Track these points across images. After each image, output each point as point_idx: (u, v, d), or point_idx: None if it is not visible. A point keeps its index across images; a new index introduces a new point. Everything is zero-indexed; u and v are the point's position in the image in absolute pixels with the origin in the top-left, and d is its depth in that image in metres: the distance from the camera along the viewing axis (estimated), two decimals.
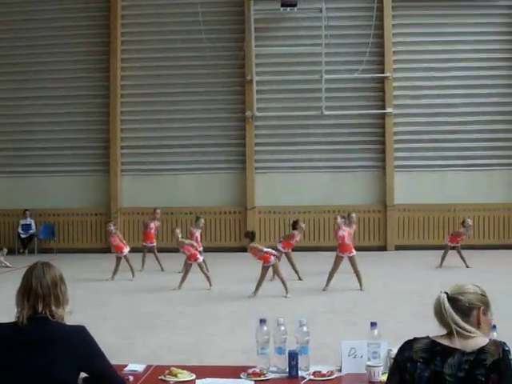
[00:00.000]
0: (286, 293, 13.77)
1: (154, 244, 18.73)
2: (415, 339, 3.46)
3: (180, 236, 15.34)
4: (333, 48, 21.85)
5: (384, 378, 4.52)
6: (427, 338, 3.44)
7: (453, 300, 3.41)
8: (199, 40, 22.05)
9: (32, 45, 23.08)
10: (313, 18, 22.29)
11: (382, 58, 22.44)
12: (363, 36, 22.29)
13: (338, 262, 14.57)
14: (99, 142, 23.21)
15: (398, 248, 21.99)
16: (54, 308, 3.82)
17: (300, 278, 15.93)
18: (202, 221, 18.08)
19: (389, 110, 22.29)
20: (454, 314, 3.36)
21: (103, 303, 13.44)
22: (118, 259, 16.73)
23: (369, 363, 4.58)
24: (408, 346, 3.47)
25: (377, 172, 22.58)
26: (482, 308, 3.45)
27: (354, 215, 17.09)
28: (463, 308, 3.40)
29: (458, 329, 3.32)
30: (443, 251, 17.87)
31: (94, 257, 21.16)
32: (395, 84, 22.54)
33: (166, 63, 22.94)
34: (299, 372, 4.59)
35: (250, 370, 4.61)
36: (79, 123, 23.10)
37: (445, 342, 3.36)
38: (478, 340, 3.31)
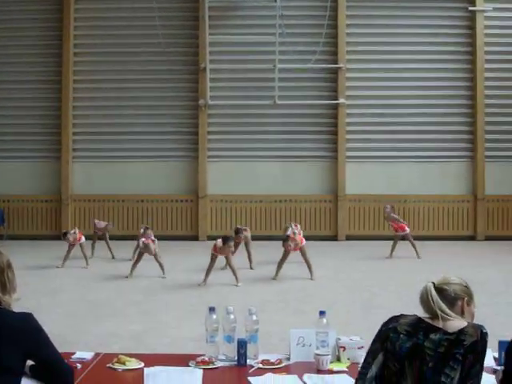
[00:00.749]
0: (237, 282, 13.81)
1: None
2: (402, 315, 3.66)
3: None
4: (287, 37, 21.84)
5: (332, 366, 4.59)
6: (414, 315, 3.59)
7: (439, 290, 3.57)
8: (153, 27, 21.88)
9: None
10: (267, 7, 22.25)
11: (336, 48, 22.50)
12: (317, 26, 22.32)
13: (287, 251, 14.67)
14: (51, 127, 22.92)
15: (349, 238, 22.11)
16: (0, 295, 3.78)
17: (251, 268, 15.98)
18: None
19: (341, 100, 22.38)
20: (440, 302, 3.54)
21: (53, 290, 13.33)
22: (71, 246, 16.57)
23: (317, 352, 4.62)
24: (394, 319, 3.65)
25: (329, 162, 22.68)
26: (465, 299, 3.65)
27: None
28: (449, 297, 3.54)
29: (444, 315, 3.50)
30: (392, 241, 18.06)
31: (45, 244, 20.94)
32: (348, 75, 22.63)
33: (119, 49, 22.72)
34: (248, 360, 4.63)
35: (199, 359, 4.63)
36: (30, 109, 22.79)
37: (429, 321, 3.54)
38: (459, 322, 3.50)
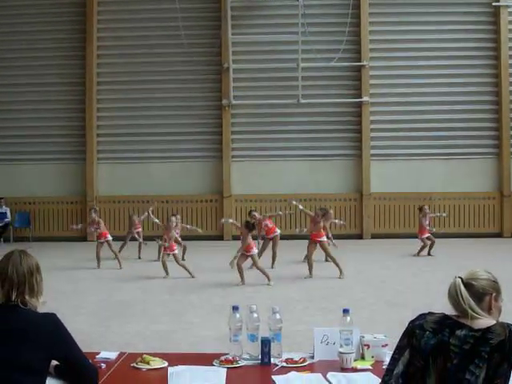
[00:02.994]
0: (269, 280, 13.80)
1: (140, 230, 18.71)
2: (430, 312, 3.65)
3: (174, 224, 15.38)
4: (309, 36, 21.83)
5: (356, 364, 4.57)
6: (442, 313, 3.60)
7: (467, 285, 3.55)
8: (176, 27, 21.96)
9: (6, 31, 22.90)
10: (289, 6, 22.27)
11: (359, 46, 22.48)
12: (340, 24, 22.30)
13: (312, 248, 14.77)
14: (75, 129, 23.08)
15: (374, 236, 22.08)
16: (27, 297, 3.80)
17: (272, 267, 15.98)
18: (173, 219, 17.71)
19: (365, 98, 22.34)
20: (470, 299, 3.50)
21: (79, 291, 13.39)
22: (101, 245, 16.70)
23: (341, 350, 4.60)
24: (422, 316, 3.63)
25: (353, 160, 22.65)
26: (493, 294, 3.58)
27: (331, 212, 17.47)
28: (477, 293, 3.52)
29: (473, 313, 3.46)
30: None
31: (70, 245, 21.08)
32: (372, 73, 22.58)
33: (142, 51, 22.84)
34: (272, 359, 4.60)
35: (223, 358, 4.62)
36: (55, 111, 22.96)
37: (456, 318, 3.51)
38: (486, 321, 3.45)
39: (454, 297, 3.53)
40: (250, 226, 14.22)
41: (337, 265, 14.61)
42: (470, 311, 3.44)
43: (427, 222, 18.07)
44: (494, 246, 19.88)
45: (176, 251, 15.09)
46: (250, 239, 14.06)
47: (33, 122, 22.96)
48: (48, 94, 22.92)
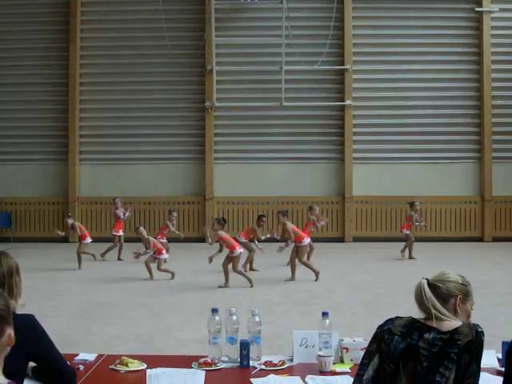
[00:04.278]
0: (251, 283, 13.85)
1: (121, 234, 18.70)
2: (397, 317, 3.67)
3: (145, 233, 15.43)
4: (293, 39, 21.85)
5: (335, 367, 4.58)
6: (409, 316, 3.61)
7: (433, 286, 3.57)
8: (159, 29, 21.93)
9: None
10: (273, 9, 22.27)
11: (342, 50, 22.52)
12: (323, 28, 22.33)
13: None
14: (58, 130, 22.99)
15: (356, 240, 22.12)
16: None
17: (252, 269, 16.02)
18: (175, 214, 18.40)
19: (348, 102, 22.38)
20: (434, 299, 3.53)
21: (59, 292, 13.35)
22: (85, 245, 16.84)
23: (320, 353, 4.61)
24: (390, 320, 3.65)
25: (336, 164, 22.68)
26: (459, 297, 3.60)
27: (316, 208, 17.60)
28: (442, 295, 3.56)
29: (437, 313, 3.49)
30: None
31: (51, 246, 20.99)
32: (355, 76, 22.63)
33: (126, 52, 22.79)
34: (251, 362, 4.61)
35: (202, 360, 4.63)
36: (38, 111, 22.86)
37: (424, 321, 3.53)
38: (453, 322, 3.48)
39: (418, 297, 3.57)
40: (221, 221, 14.26)
41: (293, 269, 14.63)
42: (433, 311, 3.48)
43: (415, 218, 18.23)
44: (475, 250, 19.96)
45: (162, 256, 15.07)
46: (230, 239, 14.11)
47: (15, 122, 22.85)
48: (30, 94, 22.81)
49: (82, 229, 17.15)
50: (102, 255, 17.78)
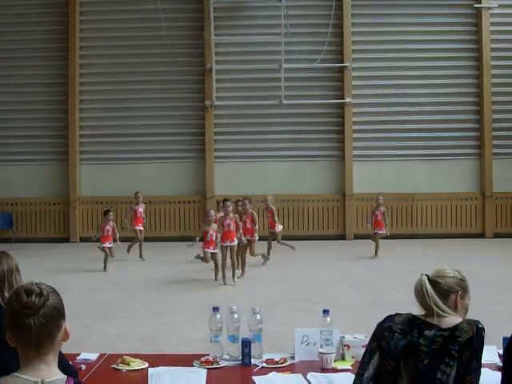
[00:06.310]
0: (233, 278, 13.94)
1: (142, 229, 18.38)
2: (397, 314, 3.65)
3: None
4: (292, 37, 21.85)
5: (336, 365, 4.59)
6: (409, 313, 3.60)
7: (433, 283, 3.57)
8: (159, 28, 21.92)
9: None
10: (272, 7, 22.28)
11: (341, 47, 22.51)
12: (322, 25, 22.32)
13: None
14: (58, 130, 22.97)
15: (357, 237, 22.08)
16: (6, 294, 3.80)
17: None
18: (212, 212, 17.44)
19: (348, 99, 22.37)
20: (435, 296, 3.52)
21: (61, 292, 13.29)
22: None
23: (321, 350, 4.62)
24: (390, 318, 3.64)
25: (336, 161, 22.68)
26: (459, 292, 3.61)
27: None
28: (442, 291, 3.55)
29: (438, 310, 3.48)
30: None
31: (53, 246, 20.99)
32: (354, 74, 22.62)
33: (125, 51, 22.78)
34: (252, 360, 4.62)
35: (203, 358, 4.63)
36: (38, 111, 22.85)
37: (424, 318, 3.53)
38: (454, 319, 3.48)
39: (420, 294, 3.56)
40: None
41: (243, 265, 14.75)
42: (435, 308, 3.46)
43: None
44: (476, 247, 19.96)
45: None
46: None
47: (15, 122, 22.84)
48: (30, 94, 22.80)
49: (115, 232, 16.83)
50: (128, 250, 17.59)
